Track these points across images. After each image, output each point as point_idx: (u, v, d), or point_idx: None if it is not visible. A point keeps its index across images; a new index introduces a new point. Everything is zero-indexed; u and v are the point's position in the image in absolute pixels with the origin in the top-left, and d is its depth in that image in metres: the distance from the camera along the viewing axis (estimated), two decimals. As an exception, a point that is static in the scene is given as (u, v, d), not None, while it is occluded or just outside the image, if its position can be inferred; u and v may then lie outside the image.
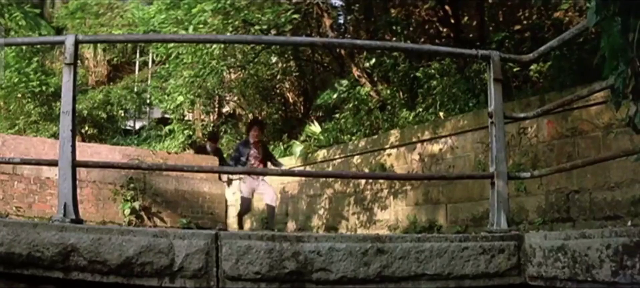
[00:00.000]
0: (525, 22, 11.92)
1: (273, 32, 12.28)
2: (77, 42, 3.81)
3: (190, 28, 12.07)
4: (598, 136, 7.60)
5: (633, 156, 4.54)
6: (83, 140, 18.61)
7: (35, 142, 14.40)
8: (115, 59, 24.24)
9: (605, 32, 2.40)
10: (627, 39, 2.46)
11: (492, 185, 4.25)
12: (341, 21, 16.69)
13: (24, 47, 18.05)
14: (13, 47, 17.52)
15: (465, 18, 13.15)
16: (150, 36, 11.56)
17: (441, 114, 11.02)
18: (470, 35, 12.49)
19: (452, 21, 12.76)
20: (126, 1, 21.47)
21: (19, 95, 19.51)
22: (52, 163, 4.02)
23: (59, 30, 21.42)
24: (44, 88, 19.15)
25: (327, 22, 14.04)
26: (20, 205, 12.55)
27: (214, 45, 13.19)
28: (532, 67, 9.67)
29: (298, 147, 14.06)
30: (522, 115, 5.78)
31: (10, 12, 12.15)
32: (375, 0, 13.66)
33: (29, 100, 19.66)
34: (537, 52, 4.78)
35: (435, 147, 10.38)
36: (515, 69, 9.70)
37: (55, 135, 18.29)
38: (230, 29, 12.42)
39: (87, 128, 20.33)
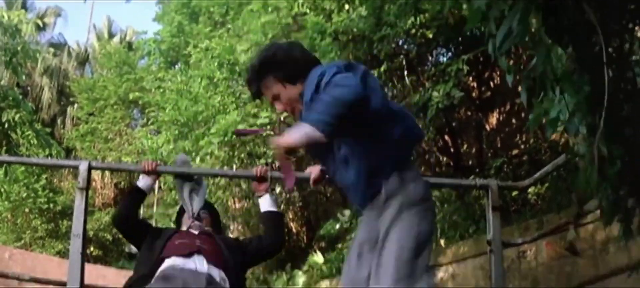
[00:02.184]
0: (522, 146, 12.15)
1: (277, 165, 12.52)
2: (90, 168, 3.98)
3: (198, 159, 12.33)
4: (596, 254, 7.63)
5: (632, 271, 4.61)
6: (88, 262, 18.52)
7: (42, 259, 14.36)
8: (122, 183, 24.47)
9: (586, 162, 2.55)
10: (612, 167, 2.59)
11: (492, 311, 4.30)
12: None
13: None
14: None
15: (465, 146, 13.41)
16: (159, 167, 11.79)
17: (442, 242, 11.07)
18: (470, 162, 12.69)
19: (452, 150, 13.02)
20: (136, 129, 21.93)
21: (26, 210, 19.63)
22: (61, 284, 4.10)
23: (68, 151, 21.81)
24: (51, 205, 19.29)
25: (331, 156, 14.31)
26: (24, 326, 12.38)
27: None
28: (530, 189, 9.80)
29: (301, 278, 13.99)
30: (520, 240, 5.88)
31: (23, 131, 12.46)
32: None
33: (36, 216, 19.76)
34: (533, 178, 4.95)
35: (437, 276, 10.35)
36: (513, 194, 9.83)
37: (60, 253, 18.27)
38: (236, 160, 12.69)
39: (92, 249, 20.30)
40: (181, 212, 4.39)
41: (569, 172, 8.12)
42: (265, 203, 4.36)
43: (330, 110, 2.45)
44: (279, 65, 3.00)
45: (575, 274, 7.79)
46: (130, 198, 4.33)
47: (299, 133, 2.48)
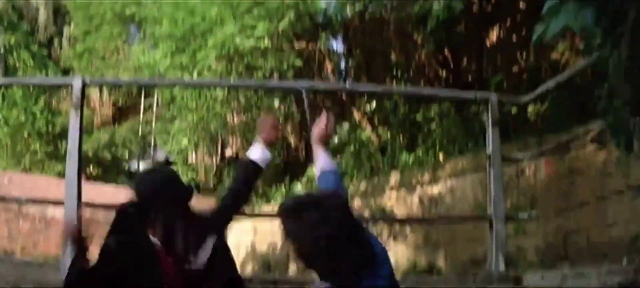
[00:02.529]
0: (523, 64, 12.04)
1: (276, 77, 12.44)
2: (84, 85, 3.91)
3: (195, 72, 12.24)
4: (595, 175, 7.65)
5: (629, 194, 4.62)
6: (88, 181, 18.68)
7: (41, 181, 14.47)
8: (120, 101, 24.38)
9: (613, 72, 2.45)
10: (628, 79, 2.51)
11: (490, 227, 4.30)
12: (343, 66, 16.86)
13: (31, 87, 18.20)
14: (20, 87, 17.68)
15: (464, 61, 13.28)
16: (155, 80, 11.75)
17: (441, 156, 11.10)
18: (469, 78, 12.60)
19: (451, 65, 12.91)
20: (132, 45, 21.69)
21: (26, 134, 19.63)
22: (58, 203, 4.09)
23: (65, 71, 21.61)
24: (50, 127, 19.27)
25: (329, 66, 14.22)
26: (25, 245, 12.55)
27: (218, 90, 13.34)
28: (530, 108, 9.76)
29: (299, 190, 14.09)
30: (520, 156, 5.86)
31: (19, 53, 12.34)
32: (376, 46, 13.83)
33: (35, 139, 19.77)
34: (534, 93, 4.88)
35: (435, 190, 10.43)
36: (513, 111, 9.79)
37: (60, 175, 18.35)
38: (234, 73, 12.59)
39: (91, 168, 20.39)
40: None
41: (570, 92, 8.09)
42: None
43: None
44: None
45: (573, 194, 7.83)
46: None
47: None
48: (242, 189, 3.35)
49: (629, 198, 4.76)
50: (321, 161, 3.27)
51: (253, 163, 3.33)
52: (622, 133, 2.59)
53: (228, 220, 3.30)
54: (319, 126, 3.31)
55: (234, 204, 3.34)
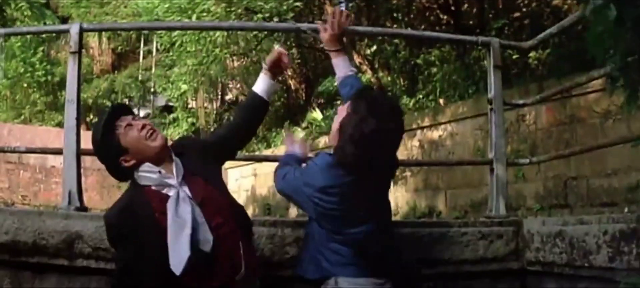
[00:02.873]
0: (524, 9, 11.92)
1: (275, 19, 12.31)
2: (81, 31, 3.84)
3: (194, 16, 12.12)
4: (596, 123, 7.65)
5: (630, 143, 4.60)
6: (88, 129, 18.69)
7: (41, 131, 14.50)
8: (119, 48, 24.28)
9: (596, 21, 2.42)
10: (622, 27, 2.48)
11: (491, 171, 4.28)
12: (343, 8, 16.70)
13: (29, 37, 18.06)
14: (19, 37, 17.55)
15: (465, 5, 13.16)
16: (154, 24, 11.60)
17: (441, 100, 11.08)
18: (470, 23, 12.50)
19: (452, 8, 12.78)
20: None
21: (25, 84, 19.64)
22: (57, 151, 4.06)
23: (64, 20, 21.44)
24: (49, 77, 19.28)
25: (329, 9, 14.04)
26: (25, 194, 12.65)
27: (217, 33, 13.23)
28: (531, 54, 9.70)
29: (300, 134, 14.12)
30: (521, 102, 5.81)
31: (16, 2, 12.22)
32: (376, -13, 13.69)
33: (35, 89, 19.79)
34: (536, 39, 4.80)
35: (435, 134, 10.44)
36: (514, 57, 9.74)
37: (60, 125, 18.38)
38: (233, 16, 12.44)
39: (91, 116, 20.42)
40: None
41: (572, 39, 8.02)
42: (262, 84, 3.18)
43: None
44: None
45: (573, 141, 7.83)
46: None
47: None
48: (241, 123, 3.14)
49: (629, 147, 4.73)
50: (340, 67, 3.33)
51: (257, 96, 3.12)
52: (623, 82, 2.56)
53: (225, 149, 3.08)
54: (326, 28, 3.33)
55: (232, 135, 3.12)
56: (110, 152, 2.72)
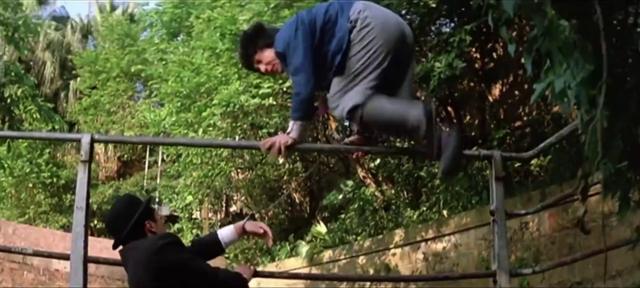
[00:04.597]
0: (525, 118, 12.14)
1: (280, 134, 12.53)
2: (92, 141, 3.96)
3: (200, 131, 12.34)
4: (598, 226, 7.66)
5: (633, 245, 4.61)
6: (92, 234, 18.69)
7: (46, 233, 14.53)
8: (125, 156, 24.57)
9: (589, 136, 2.52)
10: (613, 138, 2.57)
11: (494, 283, 4.30)
12: (346, 123, 16.96)
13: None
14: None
15: (467, 117, 13.39)
16: (161, 139, 11.85)
17: (445, 212, 11.12)
18: (473, 134, 12.69)
19: (455, 121, 13.00)
20: (138, 101, 21.92)
21: (30, 184, 19.75)
22: (64, 257, 4.11)
23: (71, 125, 21.84)
24: (55, 180, 19.39)
25: (333, 124, 14.32)
26: (29, 296, 12.55)
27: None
28: (533, 161, 9.82)
29: (304, 248, 14.08)
30: (523, 211, 5.87)
31: (25, 105, 12.49)
32: (379, 102, 13.94)
33: (40, 190, 19.89)
34: (536, 149, 4.92)
35: (439, 246, 10.42)
36: (516, 165, 9.84)
37: (64, 227, 18.43)
38: (239, 132, 12.70)
39: (96, 222, 20.45)
40: None
41: (572, 144, 8.16)
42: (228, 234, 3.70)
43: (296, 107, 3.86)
44: (255, 39, 3.99)
45: (577, 246, 7.83)
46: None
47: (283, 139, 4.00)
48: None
49: (628, 249, 4.74)
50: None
51: (220, 244, 3.64)
52: (616, 188, 2.63)
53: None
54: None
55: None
56: (142, 216, 3.35)
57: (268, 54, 3.97)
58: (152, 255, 3.19)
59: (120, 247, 3.40)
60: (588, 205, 7.16)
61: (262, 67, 4.08)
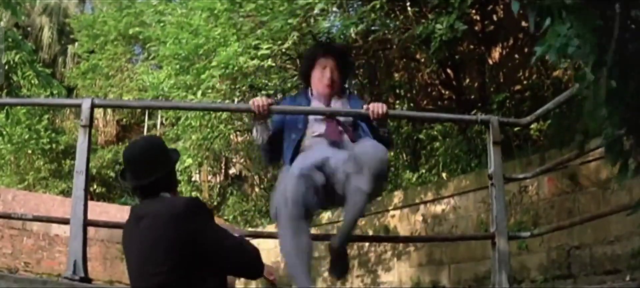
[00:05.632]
0: (525, 82, 12.10)
1: (279, 96, 12.48)
2: (93, 106, 3.96)
3: (199, 93, 12.29)
4: (597, 192, 7.69)
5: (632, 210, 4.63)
6: (92, 199, 18.76)
7: (45, 198, 14.60)
8: (124, 120, 24.53)
9: (589, 95, 2.51)
10: (618, 102, 2.55)
11: (493, 245, 4.33)
12: (345, 85, 16.92)
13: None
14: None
15: (467, 80, 13.35)
16: (161, 103, 11.78)
17: (444, 174, 11.13)
18: (472, 97, 12.65)
19: (454, 83, 12.96)
20: (137, 64, 21.81)
21: (29, 151, 19.77)
22: (64, 221, 4.13)
23: (69, 90, 21.74)
24: (54, 145, 19.40)
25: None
26: (28, 261, 12.64)
27: (222, 111, 13.42)
28: (532, 126, 9.81)
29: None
30: (521, 175, 5.90)
31: (23, 71, 12.42)
32: (379, 65, 13.90)
33: (39, 156, 19.91)
34: (534, 114, 4.93)
35: (438, 208, 10.46)
36: (515, 129, 9.84)
37: (64, 193, 18.47)
38: (238, 93, 12.64)
39: (95, 186, 20.49)
40: None
41: (572, 109, 8.15)
42: None
43: None
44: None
45: (576, 210, 7.86)
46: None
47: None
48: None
49: (626, 215, 4.76)
50: None
51: None
52: (617, 154, 2.63)
53: None
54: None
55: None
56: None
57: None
58: (185, 218, 2.83)
59: (130, 206, 3.26)
60: (588, 170, 7.23)
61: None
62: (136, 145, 3.16)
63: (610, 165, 2.92)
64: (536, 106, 5.01)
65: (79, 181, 3.84)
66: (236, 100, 13.06)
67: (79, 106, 4.02)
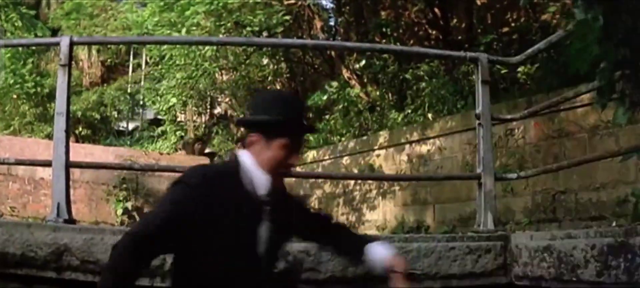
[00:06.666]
0: (513, 24, 12.01)
1: (265, 33, 12.34)
2: (72, 44, 3.85)
3: (183, 30, 12.14)
4: (584, 137, 7.70)
5: (618, 157, 4.63)
6: (77, 141, 18.64)
7: (30, 142, 14.48)
8: (109, 61, 24.23)
9: (579, 35, 2.44)
10: (611, 40, 2.49)
11: (479, 186, 4.31)
12: (332, 23, 16.76)
13: (20, 49, 18.05)
14: (9, 48, 17.54)
15: (454, 20, 13.23)
16: (144, 38, 11.63)
17: (430, 115, 11.11)
18: (459, 38, 12.57)
19: (441, 23, 12.85)
20: (120, 3, 21.47)
21: (14, 96, 19.54)
22: (46, 163, 4.06)
23: (54, 31, 21.39)
24: (39, 89, 19.20)
25: (318, 24, 14.12)
26: (14, 205, 12.63)
27: (207, 47, 13.25)
28: (520, 69, 9.76)
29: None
30: (509, 116, 5.86)
31: (7, 14, 12.18)
32: (365, 3, 13.74)
33: (24, 101, 19.69)
34: (524, 54, 4.85)
35: (424, 148, 10.46)
36: (503, 71, 9.79)
37: (49, 136, 18.28)
38: (223, 30, 12.48)
39: (80, 129, 20.32)
40: None
41: (560, 53, 8.09)
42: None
43: None
44: None
45: (562, 155, 7.87)
46: None
47: None
48: (334, 240, 2.85)
49: (618, 160, 4.75)
50: None
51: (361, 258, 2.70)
52: (609, 96, 2.58)
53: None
54: None
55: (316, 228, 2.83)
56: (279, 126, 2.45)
57: None
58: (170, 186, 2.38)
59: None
60: (575, 116, 7.19)
61: None
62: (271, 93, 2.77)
63: (600, 107, 2.86)
64: (524, 49, 4.92)
65: (59, 122, 3.76)
66: (221, 36, 12.89)
67: (57, 44, 3.91)
